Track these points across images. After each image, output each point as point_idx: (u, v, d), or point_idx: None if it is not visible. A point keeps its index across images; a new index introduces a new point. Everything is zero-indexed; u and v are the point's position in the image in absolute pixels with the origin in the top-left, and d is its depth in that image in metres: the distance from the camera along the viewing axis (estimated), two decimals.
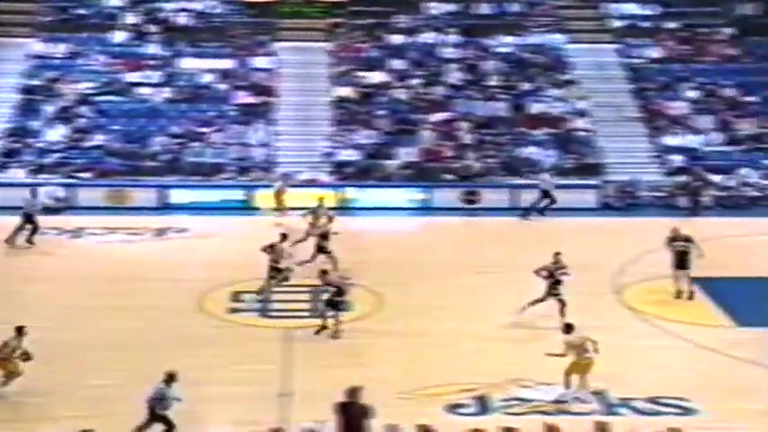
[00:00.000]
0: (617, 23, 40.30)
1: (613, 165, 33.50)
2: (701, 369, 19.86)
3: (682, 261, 23.44)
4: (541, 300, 21.68)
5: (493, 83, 37.25)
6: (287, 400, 17.99)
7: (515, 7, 40.99)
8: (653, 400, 18.42)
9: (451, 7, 40.78)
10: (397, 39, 39.45)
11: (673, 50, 38.83)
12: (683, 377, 19.38)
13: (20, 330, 18.39)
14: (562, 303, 21.50)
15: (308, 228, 26.12)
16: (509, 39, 39.32)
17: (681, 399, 18.45)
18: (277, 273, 23.12)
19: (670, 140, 34.70)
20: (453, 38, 39.38)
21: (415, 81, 37.30)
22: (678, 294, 23.40)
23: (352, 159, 34.08)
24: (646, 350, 20.79)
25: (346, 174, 33.47)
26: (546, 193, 30.60)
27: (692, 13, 40.33)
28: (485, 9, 41.05)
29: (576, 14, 40.86)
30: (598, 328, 21.38)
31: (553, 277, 21.66)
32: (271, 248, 23.24)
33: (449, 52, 38.80)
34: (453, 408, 18.26)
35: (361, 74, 37.67)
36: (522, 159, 33.85)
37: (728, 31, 39.58)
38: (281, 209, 30.02)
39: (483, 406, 18.35)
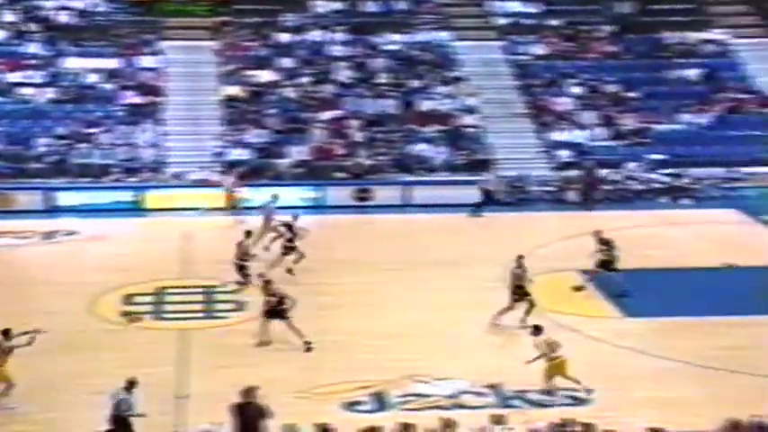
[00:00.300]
0: (501, 21, 40.78)
1: (503, 160, 33.92)
2: (592, 360, 20.23)
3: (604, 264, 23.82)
4: (509, 308, 21.59)
5: (382, 80, 37.34)
6: (183, 401, 17.81)
7: (402, 5, 41.15)
8: (547, 392, 18.75)
9: (338, 5, 40.76)
10: (284, 37, 39.26)
11: (556, 47, 39.47)
12: (575, 368, 19.70)
13: (6, 333, 17.78)
14: (531, 305, 21.56)
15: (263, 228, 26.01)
16: (396, 37, 39.47)
17: (574, 389, 18.82)
18: (244, 270, 23.40)
19: (557, 136, 35.28)
20: (341, 36, 39.36)
21: (304, 79, 37.19)
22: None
23: (243, 158, 33.81)
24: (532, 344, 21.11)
25: (239, 173, 33.21)
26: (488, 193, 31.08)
27: (573, 11, 41.06)
28: (371, 7, 41.13)
29: (462, 12, 41.24)
30: (494, 323, 21.78)
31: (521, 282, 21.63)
32: (238, 245, 23.63)
33: (337, 50, 38.79)
34: (350, 405, 18.29)
35: (249, 72, 37.39)
36: (412, 156, 34.03)
37: (608, 28, 40.36)
38: (234, 207, 29.97)
39: (380, 403, 18.42)
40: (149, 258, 23.30)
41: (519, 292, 21.53)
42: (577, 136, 35.33)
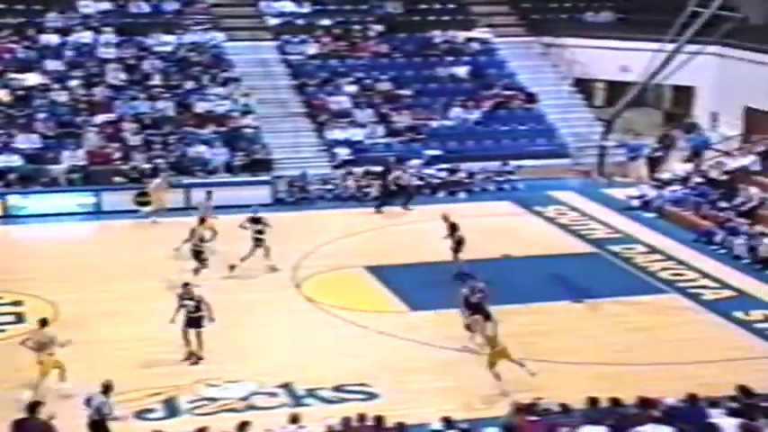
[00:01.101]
0: (274, 21, 40.71)
1: (282, 160, 33.87)
2: (380, 354, 20.67)
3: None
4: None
5: (156, 82, 36.56)
6: None
7: (172, 6, 40.41)
8: (338, 389, 18.98)
9: (106, 6, 39.54)
10: (50, 38, 37.82)
11: (329, 47, 39.75)
12: (364, 363, 20.09)
13: (44, 323, 18.84)
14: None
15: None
16: (168, 38, 38.70)
17: (363, 384, 19.15)
18: (200, 256, 24.22)
19: (335, 134, 35.55)
20: (110, 37, 38.24)
21: (74, 82, 35.90)
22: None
23: (12, 165, 32.38)
24: (327, 340, 21.37)
25: (8, 180, 31.79)
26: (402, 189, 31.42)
27: (343, 11, 41.46)
28: (140, 8, 40.19)
29: (234, 12, 40.88)
30: (282, 322, 21.84)
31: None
32: (191, 232, 24.70)
33: (107, 52, 37.62)
34: (141, 414, 18.01)
35: (14, 75, 35.77)
36: (191, 159, 33.53)
37: (378, 28, 41.00)
38: (160, 208, 29.44)
39: (171, 409, 18.19)
40: None
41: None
42: (354, 134, 35.70)
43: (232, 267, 24.95)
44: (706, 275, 25.57)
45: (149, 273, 25.01)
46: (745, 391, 16.62)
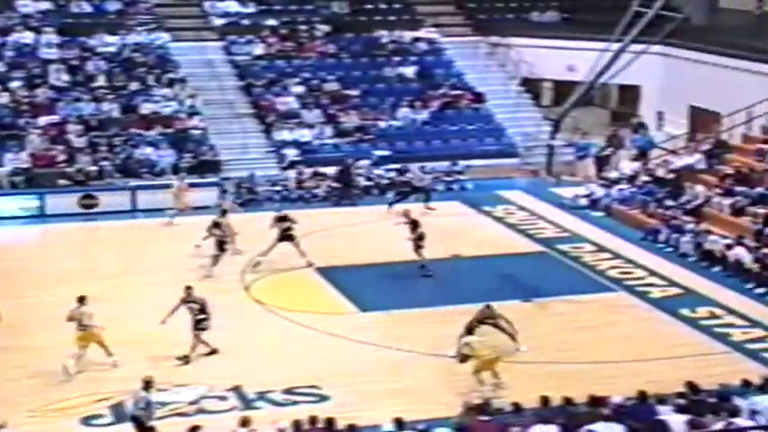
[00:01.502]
0: (219, 21, 40.52)
1: (230, 162, 33.75)
2: (330, 356, 20.65)
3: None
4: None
5: (100, 84, 36.24)
6: None
7: (115, 6, 40.05)
8: (289, 391, 18.95)
9: (46, 5, 39.10)
10: None
11: (275, 47, 39.65)
12: (315, 366, 20.06)
13: (82, 300, 19.72)
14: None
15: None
16: (112, 38, 38.36)
17: (314, 387, 19.13)
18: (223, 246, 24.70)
19: (283, 135, 35.46)
20: (52, 37, 37.79)
21: (15, 83, 35.46)
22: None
23: None
24: (277, 342, 21.34)
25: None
26: (415, 188, 31.45)
27: (289, 11, 41.35)
28: (82, 7, 39.79)
29: (177, 12, 40.63)
30: (231, 325, 21.74)
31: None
32: (216, 226, 24.93)
33: (49, 53, 37.20)
34: (89, 420, 17.89)
35: None
36: (138, 161, 33.29)
37: (324, 28, 40.95)
38: (185, 208, 29.13)
39: (119, 414, 18.00)
40: None
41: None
42: (303, 135, 35.65)
43: (256, 264, 25.38)
44: (653, 273, 25.86)
45: (95, 276, 24.78)
46: (692, 387, 16.86)
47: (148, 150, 33.63)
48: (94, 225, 29.74)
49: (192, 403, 18.50)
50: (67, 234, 28.98)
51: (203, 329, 20.35)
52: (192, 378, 19.27)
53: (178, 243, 26.62)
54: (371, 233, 27.96)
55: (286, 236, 25.65)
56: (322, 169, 33.45)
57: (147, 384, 16.87)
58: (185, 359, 20.14)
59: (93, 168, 32.51)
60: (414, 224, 25.50)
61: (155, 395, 16.96)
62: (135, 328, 21.40)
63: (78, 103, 35.14)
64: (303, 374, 19.53)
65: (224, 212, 26.47)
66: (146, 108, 35.46)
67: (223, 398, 18.67)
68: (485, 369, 18.97)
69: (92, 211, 30.14)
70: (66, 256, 26.83)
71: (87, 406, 18.21)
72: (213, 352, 20.46)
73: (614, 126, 38.94)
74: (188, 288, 20.69)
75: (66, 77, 36.30)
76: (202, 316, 20.30)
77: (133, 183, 31.99)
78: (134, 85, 36.35)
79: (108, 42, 38.21)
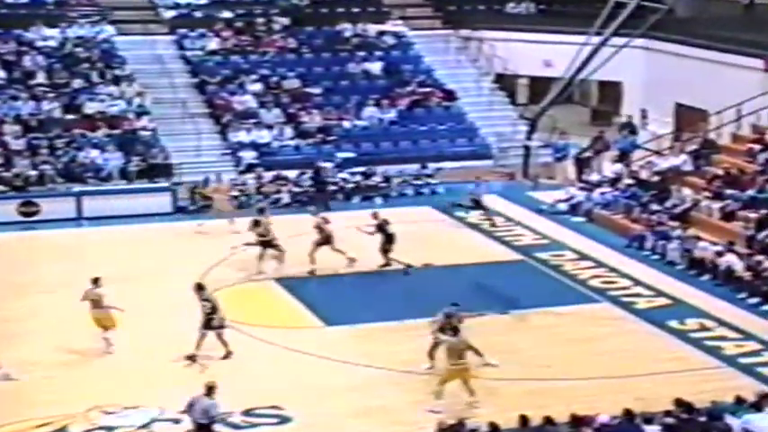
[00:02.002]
0: (169, 13, 40.47)
1: (182, 165, 33.67)
2: (293, 374, 20.65)
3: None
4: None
5: (39, 81, 36.11)
6: None
7: None
8: (248, 413, 18.93)
9: None
10: None
11: (230, 42, 39.65)
12: (276, 385, 20.06)
13: (96, 281, 21.37)
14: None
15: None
16: (51, 31, 38.24)
17: (275, 407, 19.12)
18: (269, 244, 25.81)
19: (239, 136, 35.47)
20: None
21: None
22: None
23: None
24: (236, 360, 21.25)
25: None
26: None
27: (244, 3, 41.40)
28: None
29: (124, 3, 40.61)
30: (187, 342, 21.72)
31: None
32: (256, 224, 25.93)
33: None
34: None
35: None
36: (82, 164, 33.17)
37: (283, 21, 40.98)
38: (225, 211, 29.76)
39: None
40: None
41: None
42: (261, 136, 35.68)
43: (351, 260, 26.25)
44: (639, 283, 26.03)
45: (35, 290, 24.69)
46: (681, 405, 17.03)
47: (94, 153, 33.53)
48: (35, 234, 29.57)
49: (142, 427, 18.45)
50: (5, 244, 28.77)
51: (220, 327, 21.08)
52: (143, 399, 19.20)
53: (124, 252, 26.51)
54: (336, 241, 27.92)
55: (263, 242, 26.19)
56: (284, 172, 33.48)
57: (210, 390, 17.24)
58: (191, 357, 20.88)
59: (33, 173, 32.39)
60: (380, 227, 25.77)
61: (216, 402, 17.30)
62: (74, 346, 21.46)
63: (15, 102, 35.02)
64: (264, 394, 19.51)
65: (261, 211, 27.22)
66: (90, 107, 35.37)
67: (176, 421, 18.50)
68: (452, 379, 19.05)
69: (32, 219, 29.98)
70: (4, 267, 26.64)
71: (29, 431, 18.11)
72: (228, 355, 21.14)
73: (598, 126, 39.18)
74: (199, 286, 21.38)
75: (1, 74, 36.12)
76: (214, 315, 20.98)
77: (77, 188, 31.86)
78: (77, 83, 36.25)
79: (47, 36, 38.12)
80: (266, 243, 26.17)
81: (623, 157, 34.83)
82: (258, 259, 26.14)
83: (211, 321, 21.01)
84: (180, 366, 20.71)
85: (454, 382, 19.09)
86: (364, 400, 19.50)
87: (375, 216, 26.43)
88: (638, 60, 37.83)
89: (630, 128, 36.96)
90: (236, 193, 32.44)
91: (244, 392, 19.55)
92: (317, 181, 32.93)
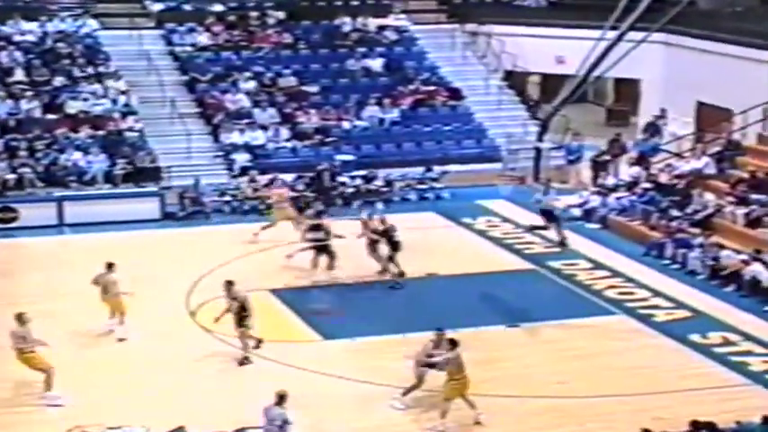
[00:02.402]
0: (156, 6, 40.54)
1: (171, 168, 33.69)
2: (290, 391, 20.56)
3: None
4: None
5: (18, 78, 36.12)
6: None
7: None
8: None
9: None
10: None
11: (222, 37, 39.68)
12: (270, 401, 20.04)
13: (110, 267, 22.63)
14: None
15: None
16: (30, 25, 38.31)
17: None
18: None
19: (232, 138, 35.48)
20: None
21: None
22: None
23: None
24: (227, 376, 21.32)
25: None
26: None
27: None
28: None
29: None
30: (174, 356, 21.71)
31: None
32: (316, 228, 26.63)
33: None
34: None
35: None
36: (64, 167, 33.18)
37: (278, 14, 41.04)
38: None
39: None
40: None
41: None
42: (255, 137, 35.68)
43: (401, 275, 26.32)
44: (657, 293, 26.06)
45: (22, 299, 24.62)
46: (704, 425, 16.99)
47: (76, 155, 33.53)
48: (14, 242, 29.55)
49: None
50: None
51: (247, 327, 21.66)
52: (128, 419, 19.15)
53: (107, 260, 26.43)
54: (336, 249, 27.93)
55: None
56: (280, 176, 33.45)
57: (281, 399, 17.55)
58: (245, 360, 21.69)
59: (11, 176, 32.38)
60: (386, 233, 26.08)
61: (284, 412, 17.52)
62: (54, 361, 21.28)
63: None
64: (257, 414, 19.47)
65: (319, 213, 27.63)
66: (72, 107, 35.40)
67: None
68: (457, 394, 19.04)
69: (10, 225, 29.99)
70: None
71: None
72: (259, 342, 22.15)
73: (614, 127, 39.16)
74: (229, 283, 21.84)
75: None
76: (244, 313, 21.59)
77: (59, 193, 31.88)
78: (58, 80, 36.29)
79: (26, 30, 38.20)
80: (322, 247, 26.50)
81: (642, 160, 34.77)
82: (312, 266, 26.46)
83: (244, 320, 21.52)
84: (167, 383, 20.68)
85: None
86: (364, 419, 19.54)
87: (382, 222, 26.54)
88: (656, 56, 37.87)
89: (654, 128, 36.95)
90: (228, 198, 32.54)
91: (236, 410, 19.53)
92: (317, 185, 32.87)
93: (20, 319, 20.22)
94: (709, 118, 36.34)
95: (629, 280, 27.01)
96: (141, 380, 20.94)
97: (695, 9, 38.40)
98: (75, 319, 23.67)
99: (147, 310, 23.71)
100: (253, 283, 25.65)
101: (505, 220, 31.99)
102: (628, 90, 41.86)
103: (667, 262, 28.21)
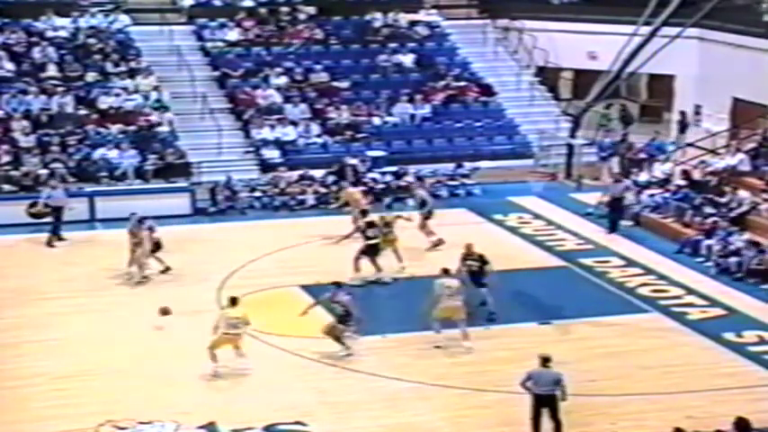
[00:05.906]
0: (188, 2, 40.69)
1: (202, 164, 33.83)
2: (319, 387, 20.71)
3: (474, 280, 24.31)
4: None
5: (50, 74, 36.37)
6: None
7: None
8: (270, 428, 18.91)
9: None
10: None
11: (253, 32, 39.78)
12: (301, 398, 20.10)
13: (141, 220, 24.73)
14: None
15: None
16: (62, 21, 38.56)
17: (299, 423, 19.10)
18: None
19: (263, 134, 35.57)
20: None
21: None
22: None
23: None
24: (257, 372, 21.30)
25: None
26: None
27: None
28: None
29: None
30: (204, 351, 21.73)
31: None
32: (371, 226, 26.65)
33: None
34: None
35: None
36: (95, 163, 33.36)
37: (309, 10, 41.11)
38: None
39: None
40: None
41: None
42: (286, 133, 35.75)
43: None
44: (691, 291, 25.96)
45: (42, 297, 24.82)
46: (739, 424, 16.85)
47: (108, 151, 33.73)
48: (45, 237, 29.61)
49: None
50: (14, 248, 28.98)
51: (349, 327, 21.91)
52: (158, 413, 19.21)
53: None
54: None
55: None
56: (310, 172, 33.50)
57: (546, 360, 18.14)
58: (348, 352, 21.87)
59: (43, 172, 32.56)
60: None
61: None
62: (85, 357, 21.55)
63: (25, 97, 35.31)
64: (287, 409, 19.53)
65: (364, 213, 27.69)
66: (104, 102, 35.63)
67: None
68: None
69: (42, 221, 30.09)
70: (12, 272, 26.77)
71: None
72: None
73: (648, 124, 39.00)
74: (337, 285, 22.19)
75: (9, 66, 36.44)
76: (348, 317, 21.93)
77: (90, 188, 32.06)
78: (90, 76, 36.54)
79: (58, 26, 38.48)
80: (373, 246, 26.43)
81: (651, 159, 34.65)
82: (372, 264, 26.38)
83: (347, 320, 21.79)
84: (196, 379, 20.73)
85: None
86: (393, 416, 19.50)
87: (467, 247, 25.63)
88: (691, 52, 37.70)
89: (681, 125, 36.78)
90: (258, 194, 32.62)
91: (266, 406, 19.64)
92: (340, 180, 32.94)
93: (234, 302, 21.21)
94: (745, 114, 36.16)
95: (662, 277, 26.91)
96: (170, 374, 21.00)
97: (730, 4, 38.19)
98: (123, 311, 23.95)
99: (177, 305, 23.77)
100: (283, 278, 25.86)
101: (537, 216, 31.90)
102: (662, 86, 41.65)
103: (701, 259, 28.05)
